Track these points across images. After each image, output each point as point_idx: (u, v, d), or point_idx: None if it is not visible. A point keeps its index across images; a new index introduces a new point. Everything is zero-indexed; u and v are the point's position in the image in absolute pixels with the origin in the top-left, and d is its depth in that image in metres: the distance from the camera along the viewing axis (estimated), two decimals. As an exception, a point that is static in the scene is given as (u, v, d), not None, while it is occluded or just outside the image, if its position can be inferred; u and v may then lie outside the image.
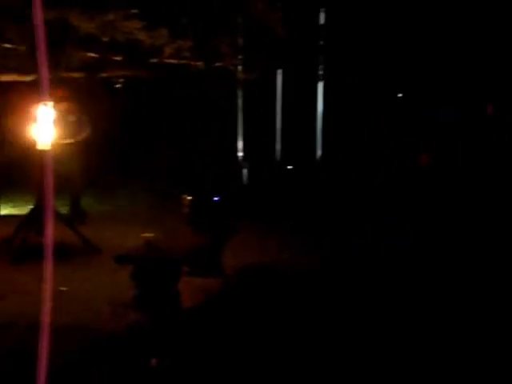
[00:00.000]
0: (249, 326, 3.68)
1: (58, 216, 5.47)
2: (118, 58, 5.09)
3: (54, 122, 6.22)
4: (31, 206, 5.73)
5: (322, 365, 3.19)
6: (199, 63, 5.28)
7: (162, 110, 9.01)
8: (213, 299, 4.26)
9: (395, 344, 3.46)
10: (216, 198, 4.84)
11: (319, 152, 9.78)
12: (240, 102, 9.56)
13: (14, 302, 4.11)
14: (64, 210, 6.56)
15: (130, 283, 4.18)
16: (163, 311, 3.90)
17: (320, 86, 9.48)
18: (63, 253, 5.21)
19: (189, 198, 4.84)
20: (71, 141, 6.43)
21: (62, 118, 6.29)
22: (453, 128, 8.45)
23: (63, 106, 6.34)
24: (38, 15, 2.36)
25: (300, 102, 9.53)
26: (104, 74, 5.57)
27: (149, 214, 7.40)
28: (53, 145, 6.15)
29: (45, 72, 2.36)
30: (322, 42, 7.22)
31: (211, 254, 4.77)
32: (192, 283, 4.35)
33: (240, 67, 6.25)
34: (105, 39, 4.59)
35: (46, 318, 2.96)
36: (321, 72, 8.12)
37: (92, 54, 4.99)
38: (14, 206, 8.13)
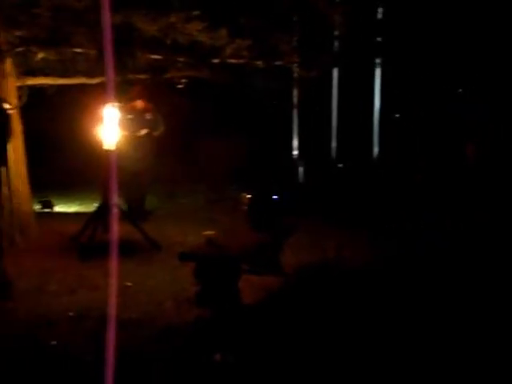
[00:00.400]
0: (309, 324, 3.67)
1: (123, 213, 5.65)
2: (180, 60, 5.20)
3: (131, 120, 6.52)
4: (97, 204, 5.94)
5: (385, 365, 3.13)
6: (258, 62, 5.31)
7: (221, 110, 9.12)
8: (273, 297, 4.27)
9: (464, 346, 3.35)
10: (275, 197, 4.84)
11: (376, 150, 9.60)
12: (295, 100, 9.53)
13: (83, 296, 4.27)
14: (125, 207, 6.76)
15: (192, 280, 4.28)
16: (225, 308, 3.95)
17: (377, 83, 9.30)
18: (127, 249, 5.39)
19: (248, 196, 4.87)
20: (147, 139, 6.70)
21: (139, 117, 6.59)
22: (487, 125, 8.09)
23: (140, 104, 6.61)
24: (106, 20, 2.45)
25: (356, 99, 9.39)
26: (168, 75, 5.71)
27: (208, 212, 7.52)
28: (126, 142, 6.41)
29: (112, 74, 2.44)
30: (380, 38, 7.08)
31: (271, 252, 4.79)
32: (252, 281, 4.37)
33: (297, 65, 6.23)
34: (168, 41, 4.70)
35: (113, 311, 3.06)
36: (378, 68, 7.97)
37: (156, 56, 5.12)
38: (80, 204, 8.47)
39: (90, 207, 7.92)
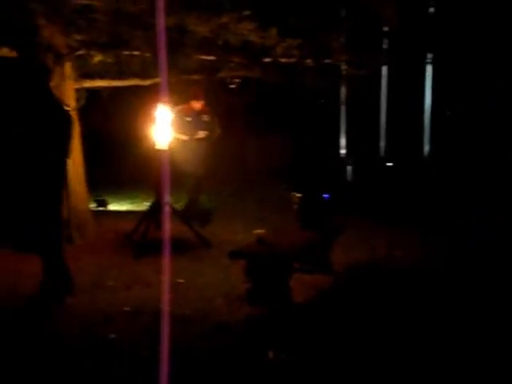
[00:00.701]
0: (359, 323, 3.64)
1: (174, 212, 5.77)
2: (233, 60, 5.25)
3: (189, 122, 6.54)
4: (148, 203, 6.08)
5: (439, 365, 3.07)
6: (308, 61, 5.29)
7: (270, 109, 9.15)
8: (323, 296, 4.26)
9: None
10: (326, 196, 4.82)
11: (427, 148, 9.38)
12: (343, 97, 9.44)
13: (138, 292, 4.39)
14: (182, 207, 6.88)
15: (242, 278, 4.32)
16: (276, 306, 3.97)
17: (428, 79, 9.08)
18: (179, 247, 5.51)
19: (298, 195, 4.87)
20: (204, 139, 6.72)
21: (197, 118, 6.65)
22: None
23: (197, 105, 6.63)
24: (161, 22, 2.52)
25: (406, 95, 9.20)
26: (220, 75, 5.77)
27: (257, 211, 7.56)
28: (184, 145, 6.45)
29: (165, 75, 2.51)
30: (431, 35, 6.92)
31: (321, 251, 4.77)
32: (302, 280, 4.38)
33: (346, 63, 6.17)
34: (220, 42, 4.76)
35: (166, 307, 3.14)
36: (429, 64, 7.78)
37: (208, 57, 5.19)
38: (132, 203, 8.70)
39: (141, 206, 8.13)
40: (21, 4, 4.49)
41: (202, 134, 6.74)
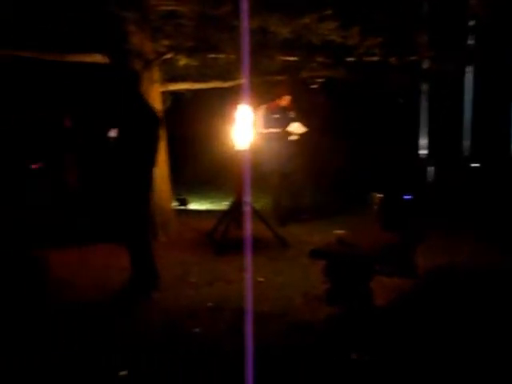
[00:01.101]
0: (441, 328, 3.53)
1: (254, 211, 5.85)
2: (315, 60, 5.25)
3: (277, 119, 6.56)
4: (227, 203, 6.20)
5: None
6: (392, 59, 5.18)
7: (345, 109, 9.04)
8: (405, 299, 4.17)
9: None
10: (408, 197, 4.70)
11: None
12: (423, 96, 9.13)
13: (219, 289, 4.50)
14: (258, 205, 6.91)
15: (321, 278, 4.31)
16: (356, 307, 3.93)
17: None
18: (258, 246, 5.59)
19: (379, 195, 4.78)
20: (292, 137, 6.72)
21: (284, 115, 6.67)
22: None
23: (284, 102, 6.64)
24: (244, 25, 2.57)
25: (493, 92, 8.74)
26: (303, 76, 5.77)
27: (334, 211, 7.51)
28: (272, 143, 6.47)
29: (248, 76, 2.55)
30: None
31: (403, 253, 4.66)
32: (382, 282, 4.30)
33: (430, 60, 5.97)
34: (302, 42, 4.78)
35: (249, 304, 3.18)
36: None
37: (289, 58, 5.22)
38: (211, 202, 8.93)
39: (220, 205, 8.34)
40: (113, 12, 4.75)
41: (294, 128, 6.64)
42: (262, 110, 6.59)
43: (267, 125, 6.56)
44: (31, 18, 5.19)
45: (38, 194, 6.65)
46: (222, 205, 8.13)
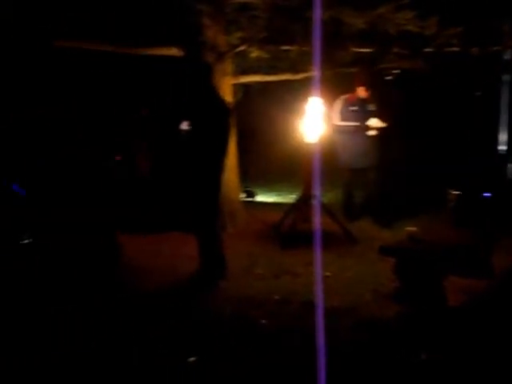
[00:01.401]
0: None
1: (323, 205, 5.79)
2: (392, 51, 5.09)
3: (355, 112, 6.28)
4: (294, 196, 6.16)
5: None
6: (474, 49, 4.91)
7: (420, 102, 8.73)
8: (480, 300, 3.98)
9: None
10: (486, 194, 4.48)
11: None
12: (504, 89, 8.63)
13: (286, 282, 4.50)
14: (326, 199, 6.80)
15: (390, 275, 4.20)
16: (428, 307, 3.80)
17: None
18: (326, 241, 5.49)
19: (456, 192, 4.59)
20: (370, 132, 6.37)
21: (363, 108, 6.32)
22: None
23: (363, 93, 6.27)
24: (317, 15, 2.52)
25: None
26: (378, 67, 5.59)
27: (405, 207, 7.28)
28: (348, 137, 6.26)
29: (320, 68, 2.50)
30: None
31: (479, 253, 4.45)
32: (456, 282, 4.13)
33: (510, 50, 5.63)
34: (377, 33, 4.65)
35: (319, 298, 3.14)
36: None
37: (364, 49, 5.10)
38: (278, 195, 8.94)
39: (287, 198, 8.32)
40: (189, 6, 4.84)
41: (373, 122, 6.30)
42: (339, 102, 6.35)
43: (344, 117, 6.33)
44: (109, 12, 5.39)
45: (118, 182, 6.88)
46: (289, 198, 8.11)
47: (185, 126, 4.28)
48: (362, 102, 6.30)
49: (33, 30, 5.37)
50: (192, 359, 3.10)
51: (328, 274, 4.61)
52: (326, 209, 5.82)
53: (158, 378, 2.93)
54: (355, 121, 6.31)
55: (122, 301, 3.99)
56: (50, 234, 5.05)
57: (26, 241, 4.85)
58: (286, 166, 8.95)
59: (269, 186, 9.48)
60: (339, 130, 6.36)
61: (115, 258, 4.67)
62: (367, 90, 6.24)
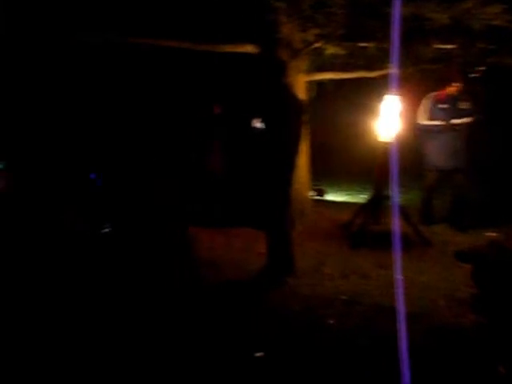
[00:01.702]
0: None
1: (398, 207, 5.61)
2: (478, 46, 4.84)
3: (444, 109, 5.97)
4: (364, 196, 6.02)
5: None
6: None
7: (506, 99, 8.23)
8: None
9: None
10: None
11: None
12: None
13: (354, 282, 4.42)
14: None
15: (466, 281, 4.02)
16: (507, 319, 3.60)
17: None
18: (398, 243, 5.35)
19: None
20: (462, 131, 6.03)
21: (453, 106, 6.00)
22: None
23: (455, 90, 5.94)
24: (397, 11, 2.44)
25: None
26: (463, 63, 5.33)
27: (484, 211, 6.94)
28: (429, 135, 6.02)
29: (399, 66, 2.42)
30: None
31: None
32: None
33: None
34: (461, 28, 4.44)
35: (398, 303, 3.05)
36: None
37: (448, 46, 4.89)
38: (348, 194, 8.81)
39: (356, 198, 8.17)
40: (265, 3, 4.86)
41: (460, 121, 5.96)
42: (427, 100, 6.05)
43: (433, 115, 5.99)
44: (184, 10, 5.49)
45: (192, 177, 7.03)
46: (360, 198, 7.97)
47: (257, 123, 4.30)
48: (453, 100, 5.96)
49: (110, 26, 5.55)
50: (259, 354, 3.12)
51: (401, 277, 4.47)
52: (402, 210, 5.64)
53: (224, 372, 2.97)
54: (445, 119, 5.98)
55: (191, 293, 4.09)
56: (127, 224, 5.26)
57: (107, 230, 5.08)
58: (357, 165, 8.79)
59: (339, 184, 9.37)
60: (425, 130, 6.10)
61: (187, 250, 4.79)
62: (459, 87, 5.88)
